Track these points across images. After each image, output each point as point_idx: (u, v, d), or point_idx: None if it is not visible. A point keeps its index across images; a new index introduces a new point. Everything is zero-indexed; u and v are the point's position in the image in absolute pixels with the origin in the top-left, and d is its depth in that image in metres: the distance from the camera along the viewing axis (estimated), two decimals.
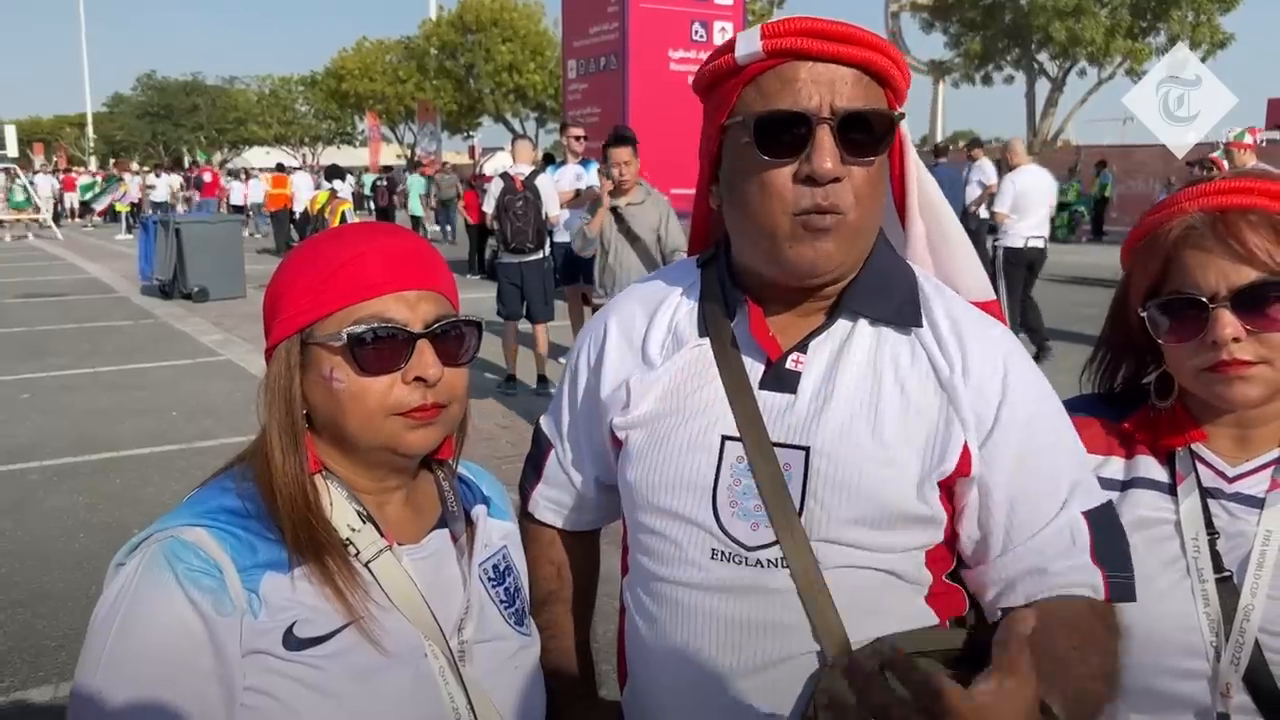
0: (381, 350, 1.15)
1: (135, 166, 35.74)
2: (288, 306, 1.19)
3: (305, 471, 1.18)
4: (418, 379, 1.16)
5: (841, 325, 1.25)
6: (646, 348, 1.33)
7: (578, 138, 9.46)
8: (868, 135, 1.16)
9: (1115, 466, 1.43)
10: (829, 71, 1.15)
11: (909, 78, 1.23)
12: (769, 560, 1.20)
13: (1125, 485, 1.41)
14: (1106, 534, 1.24)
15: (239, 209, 28.84)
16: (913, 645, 1.17)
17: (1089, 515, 1.23)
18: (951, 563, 1.28)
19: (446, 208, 23.22)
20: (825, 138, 1.13)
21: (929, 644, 1.19)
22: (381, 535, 1.21)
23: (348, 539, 1.18)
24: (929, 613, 1.25)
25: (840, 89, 1.15)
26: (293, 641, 1.11)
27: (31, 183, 30.47)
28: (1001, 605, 1.26)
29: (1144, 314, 1.35)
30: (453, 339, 1.20)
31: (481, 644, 1.24)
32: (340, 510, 1.20)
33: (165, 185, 29.97)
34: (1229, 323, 1.28)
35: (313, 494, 1.18)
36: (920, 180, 1.38)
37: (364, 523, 1.20)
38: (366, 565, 1.18)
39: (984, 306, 1.37)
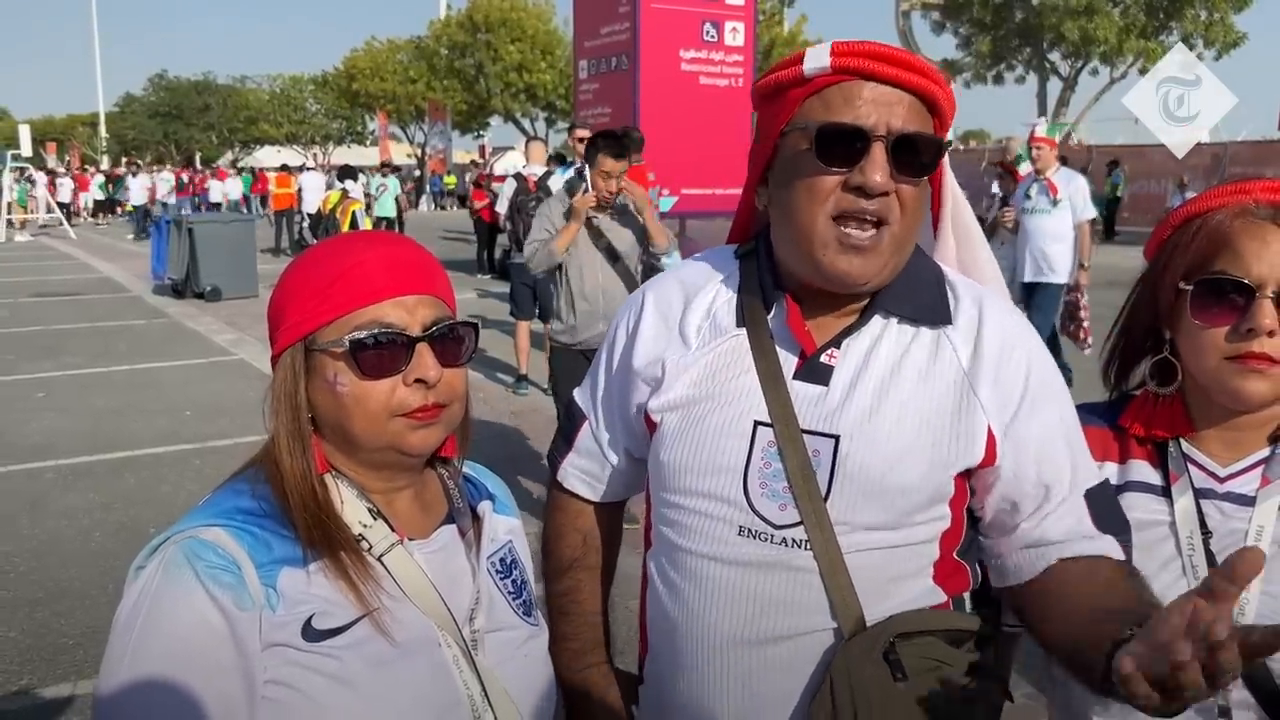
0: (382, 354, 1.19)
1: (139, 165, 35.25)
2: (290, 315, 1.23)
3: (314, 473, 1.22)
4: (418, 380, 1.20)
5: (875, 323, 1.33)
6: (684, 329, 1.39)
7: (582, 140, 9.25)
8: (917, 157, 1.24)
9: (1109, 471, 1.46)
10: (888, 94, 1.24)
11: (954, 110, 1.31)
12: (793, 540, 1.27)
13: (1119, 490, 1.44)
14: (1104, 508, 1.34)
15: (217, 206, 28.43)
16: (920, 625, 1.26)
17: (1088, 494, 1.33)
18: (960, 538, 1.35)
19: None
20: (880, 154, 1.21)
21: (934, 624, 1.28)
22: (393, 530, 1.24)
23: (360, 535, 1.22)
24: (937, 591, 1.32)
25: (897, 111, 1.24)
26: (311, 633, 1.14)
27: (31, 180, 30.32)
28: (1015, 578, 1.36)
29: (1186, 287, 1.36)
30: (451, 341, 1.24)
31: (492, 633, 1.28)
32: (352, 508, 1.24)
33: (141, 186, 28.64)
34: (1270, 314, 1.29)
35: (322, 493, 1.22)
36: (955, 201, 1.46)
37: (375, 519, 1.24)
38: (379, 559, 1.21)
39: None
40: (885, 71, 1.23)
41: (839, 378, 1.30)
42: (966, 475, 1.31)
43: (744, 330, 1.36)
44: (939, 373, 1.30)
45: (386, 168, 24.32)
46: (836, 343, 1.32)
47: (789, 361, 1.32)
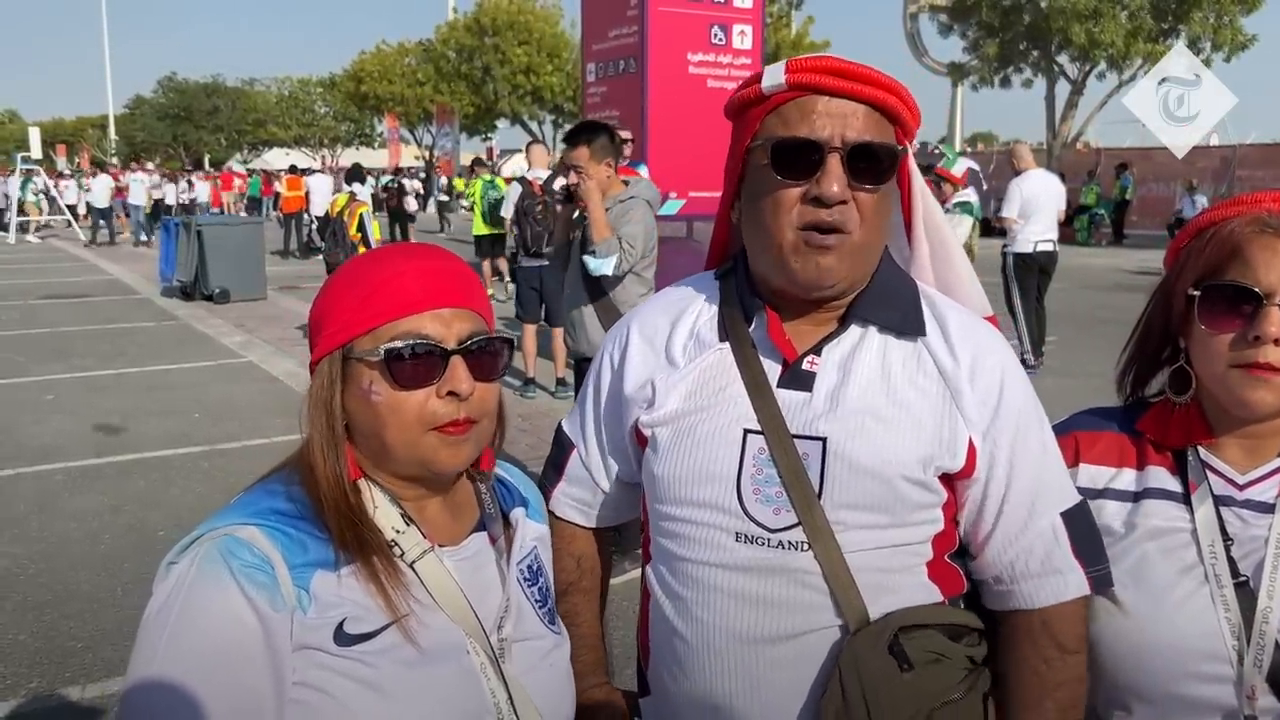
0: (418, 365, 1.20)
1: (151, 166, 34.70)
2: (330, 323, 1.25)
3: (347, 479, 1.23)
4: (451, 393, 1.20)
5: (853, 331, 1.37)
6: (670, 350, 1.43)
7: (625, 141, 8.84)
8: (873, 165, 1.28)
9: (1127, 478, 1.46)
10: (843, 106, 1.28)
11: (919, 118, 1.38)
12: (790, 542, 1.30)
13: (1138, 496, 1.44)
14: (1083, 531, 1.37)
15: (171, 209, 26.88)
16: (920, 619, 1.30)
17: (1066, 515, 1.36)
18: (953, 544, 1.38)
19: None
20: (835, 165, 1.26)
21: (933, 618, 1.32)
22: (425, 537, 1.25)
23: (393, 540, 1.23)
24: (934, 589, 1.35)
25: (852, 123, 1.28)
26: (343, 638, 1.15)
27: (38, 182, 29.98)
28: (994, 605, 1.39)
29: (1195, 293, 1.37)
30: (486, 355, 1.25)
31: (520, 642, 1.29)
32: (385, 513, 1.25)
33: (103, 188, 26.09)
34: (1277, 322, 1.30)
35: (355, 498, 1.23)
36: (926, 206, 1.49)
37: (408, 525, 1.25)
38: (411, 565, 1.23)
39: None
40: (838, 85, 1.27)
41: (821, 382, 1.34)
42: (950, 483, 1.34)
43: (727, 344, 1.39)
44: (922, 378, 1.34)
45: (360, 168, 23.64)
46: (816, 350, 1.36)
47: (772, 370, 1.36)
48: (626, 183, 5.06)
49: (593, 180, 4.79)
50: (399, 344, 1.19)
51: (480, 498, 1.36)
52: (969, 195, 8.55)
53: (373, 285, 1.23)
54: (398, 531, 1.24)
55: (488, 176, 15.02)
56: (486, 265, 14.16)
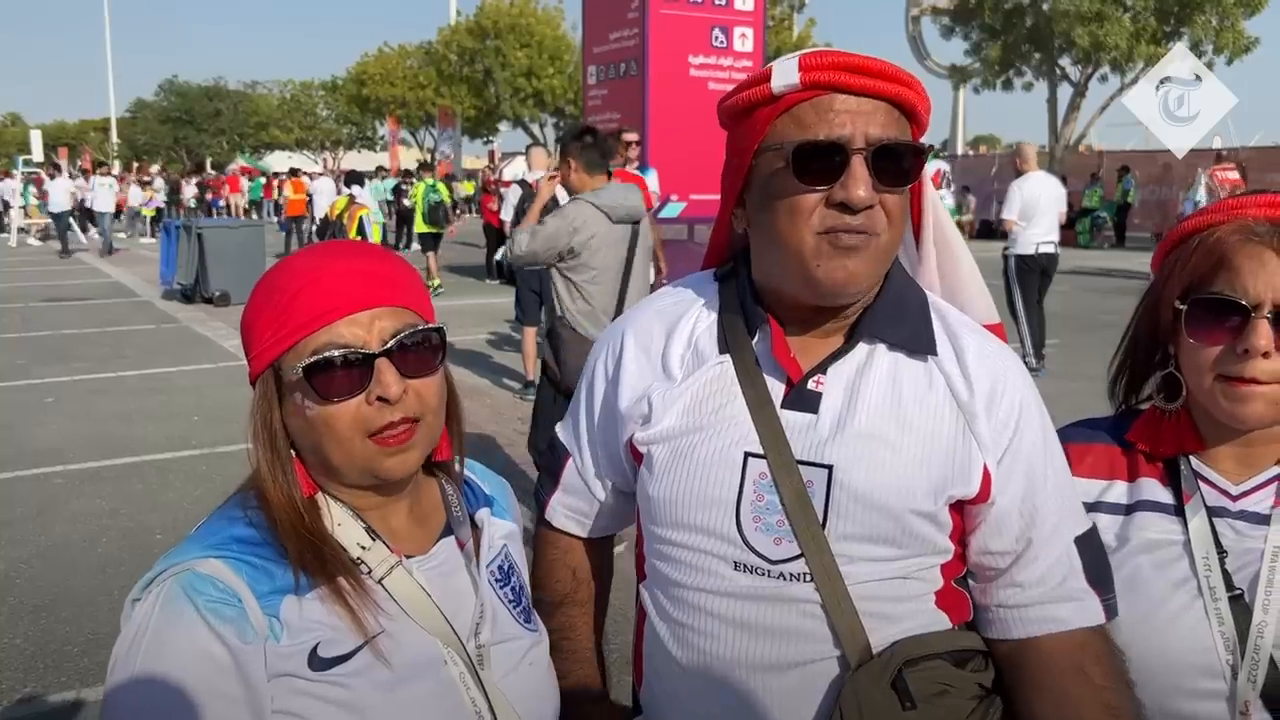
0: (340, 376, 1.15)
1: (154, 170, 34.61)
2: (256, 342, 1.21)
3: (300, 497, 1.19)
4: (380, 399, 1.16)
5: (861, 349, 1.29)
6: (667, 361, 1.35)
7: (629, 144, 8.44)
8: (897, 165, 1.20)
9: (1119, 490, 1.44)
10: (863, 104, 1.19)
11: (930, 112, 1.28)
12: (791, 574, 1.23)
13: (1130, 509, 1.41)
14: (1094, 557, 1.32)
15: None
16: (925, 649, 1.23)
17: (1078, 541, 1.31)
18: (961, 570, 1.33)
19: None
20: (860, 167, 1.17)
21: (939, 646, 1.25)
22: (391, 550, 1.22)
23: (359, 558, 1.20)
24: (942, 617, 1.29)
25: (873, 121, 1.19)
26: (318, 662, 1.12)
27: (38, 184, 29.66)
28: (996, 633, 1.32)
29: (1181, 306, 1.34)
30: (417, 350, 1.19)
31: (497, 646, 1.27)
32: (347, 529, 1.21)
33: (64, 191, 23.24)
34: (1266, 334, 1.27)
35: (311, 515, 1.19)
36: (936, 212, 1.45)
37: (373, 540, 1.22)
38: (380, 582, 1.20)
39: (989, 329, 1.43)
40: (857, 83, 1.18)
41: (827, 404, 1.26)
42: (959, 509, 1.28)
43: (728, 357, 1.32)
44: (934, 402, 1.26)
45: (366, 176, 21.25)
46: (822, 368, 1.28)
47: (776, 389, 1.28)
48: None
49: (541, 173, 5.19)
50: (315, 358, 1.15)
51: (447, 501, 1.33)
52: (944, 195, 8.61)
53: (287, 297, 1.18)
54: (363, 548, 1.21)
55: (430, 180, 16.91)
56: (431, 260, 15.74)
